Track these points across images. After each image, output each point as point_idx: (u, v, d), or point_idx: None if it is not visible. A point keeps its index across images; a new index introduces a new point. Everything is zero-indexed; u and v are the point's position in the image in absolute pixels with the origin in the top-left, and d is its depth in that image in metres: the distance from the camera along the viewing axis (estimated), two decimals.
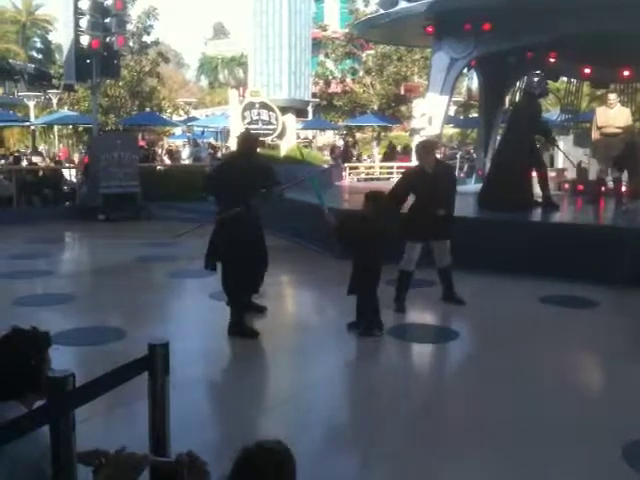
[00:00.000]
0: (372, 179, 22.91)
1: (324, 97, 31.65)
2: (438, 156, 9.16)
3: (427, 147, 7.82)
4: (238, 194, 6.60)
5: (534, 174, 11.49)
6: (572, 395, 5.22)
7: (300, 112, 25.84)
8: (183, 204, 16.09)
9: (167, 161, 25.57)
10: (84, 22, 14.92)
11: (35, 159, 22.03)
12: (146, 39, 28.38)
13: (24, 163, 21.07)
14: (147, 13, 27.78)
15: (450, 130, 34.45)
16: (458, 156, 26.47)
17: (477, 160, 18.19)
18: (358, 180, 23.12)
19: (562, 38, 12.73)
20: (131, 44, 26.63)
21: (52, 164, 21.74)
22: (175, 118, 33.51)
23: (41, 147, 29.72)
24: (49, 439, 2.05)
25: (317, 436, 4.53)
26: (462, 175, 20.47)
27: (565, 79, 19.79)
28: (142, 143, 25.83)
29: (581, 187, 14.18)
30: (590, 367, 6.43)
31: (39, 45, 50.92)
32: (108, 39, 15.44)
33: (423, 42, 17.20)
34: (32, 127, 29.30)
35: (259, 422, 4.82)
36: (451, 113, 27.11)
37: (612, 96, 13.44)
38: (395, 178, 21.31)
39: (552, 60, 15.16)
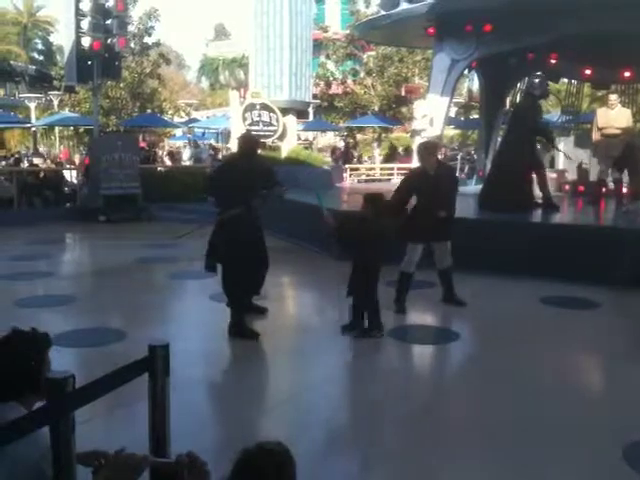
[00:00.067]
0: (373, 180, 22.91)
1: (325, 98, 31.67)
2: (439, 157, 9.16)
3: (429, 148, 7.82)
4: (239, 195, 6.61)
5: (533, 175, 11.50)
6: (572, 396, 5.21)
7: (301, 113, 25.82)
8: (184, 205, 16.10)
9: (168, 162, 25.58)
10: (85, 23, 14.93)
11: (36, 160, 22.07)
12: (147, 40, 28.41)
13: (25, 164, 21.11)
14: (148, 14, 27.81)
15: (451, 131, 34.48)
16: (459, 157, 26.51)
17: (478, 161, 18.21)
18: (359, 181, 23.13)
19: (563, 39, 12.74)
20: (132, 45, 26.64)
21: (53, 165, 21.74)
22: (176, 119, 33.51)
23: (41, 148, 29.75)
24: (49, 440, 2.05)
25: (317, 437, 4.54)
26: (463, 176, 20.47)
27: (566, 80, 19.80)
28: (143, 144, 25.86)
29: (582, 188, 14.19)
30: (591, 368, 6.43)
31: (40, 47, 50.98)
32: (109, 40, 15.44)
33: (424, 43, 17.22)
34: (33, 128, 29.34)
35: (259, 423, 4.82)
36: (452, 114, 27.11)
37: (613, 97, 13.44)
38: (396, 179, 21.38)
39: (553, 61, 15.16)
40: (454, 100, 21.02)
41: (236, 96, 20.90)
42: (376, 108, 29.31)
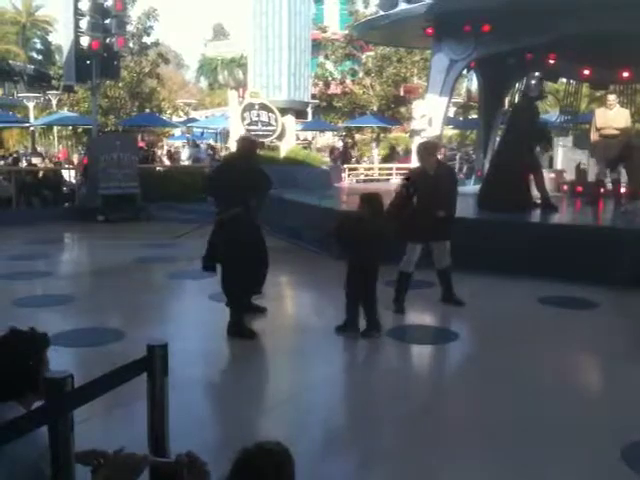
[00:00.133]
0: (371, 180, 22.92)
1: (324, 98, 31.68)
2: (439, 157, 9.15)
3: (429, 148, 7.81)
4: (237, 195, 6.61)
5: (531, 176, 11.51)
6: (572, 396, 5.21)
7: (299, 113, 25.81)
8: (182, 205, 16.09)
9: (166, 162, 25.57)
10: (84, 23, 14.92)
11: (34, 160, 22.04)
12: (146, 40, 28.44)
13: (23, 164, 21.09)
14: (147, 14, 27.82)
15: (449, 131, 34.45)
16: (457, 157, 26.52)
17: (476, 161, 18.21)
18: (357, 181, 23.14)
19: (562, 39, 12.74)
20: (131, 45, 26.66)
21: (51, 165, 21.73)
22: (175, 119, 33.52)
23: (39, 148, 29.72)
24: (47, 439, 2.05)
25: (317, 437, 4.53)
26: (461, 176, 20.48)
27: (564, 80, 19.79)
28: (141, 144, 25.85)
29: (580, 188, 14.19)
30: (590, 368, 6.43)
31: (39, 46, 50.92)
32: (108, 40, 15.44)
33: (423, 43, 17.22)
34: (32, 128, 29.30)
35: (258, 423, 4.81)
36: (450, 114, 27.09)
37: (611, 97, 13.43)
38: (394, 179, 21.39)
39: (552, 61, 15.16)
40: (453, 100, 21.02)
41: (235, 96, 20.90)
42: (375, 108, 29.32)
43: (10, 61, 39.81)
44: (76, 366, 5.66)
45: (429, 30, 14.30)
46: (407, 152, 25.86)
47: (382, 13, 15.24)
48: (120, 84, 25.56)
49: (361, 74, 30.45)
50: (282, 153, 19.62)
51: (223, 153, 26.48)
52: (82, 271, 10.63)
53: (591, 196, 12.82)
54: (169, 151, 30.12)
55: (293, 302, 9.11)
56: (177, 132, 37.08)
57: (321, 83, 30.82)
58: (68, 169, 20.42)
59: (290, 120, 20.61)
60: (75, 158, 24.54)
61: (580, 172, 14.89)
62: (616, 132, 12.65)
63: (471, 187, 15.15)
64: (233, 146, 18.51)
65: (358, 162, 28.41)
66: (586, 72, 16.41)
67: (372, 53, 29.83)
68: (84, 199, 16.19)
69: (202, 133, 37.94)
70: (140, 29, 27.83)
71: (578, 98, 19.36)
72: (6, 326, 2.53)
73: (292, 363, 6.31)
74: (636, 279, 8.23)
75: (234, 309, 6.72)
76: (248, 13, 20.55)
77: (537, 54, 14.45)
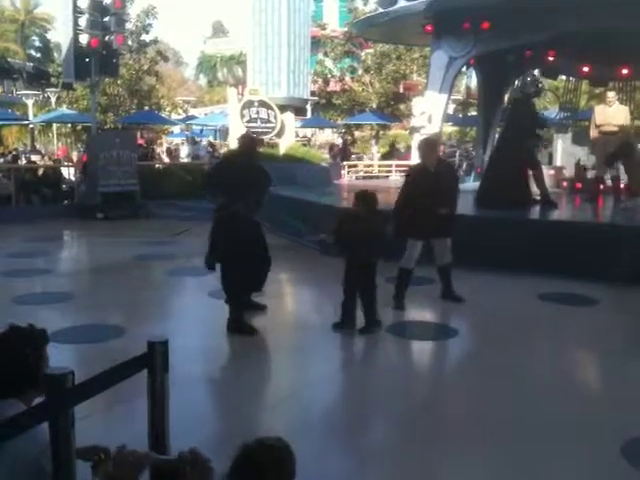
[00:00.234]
0: (371, 177, 22.90)
1: (323, 95, 31.66)
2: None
3: (430, 144, 7.79)
4: (237, 192, 6.62)
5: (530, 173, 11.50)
6: (572, 392, 5.22)
7: (299, 110, 25.82)
8: (182, 202, 16.09)
9: (166, 159, 25.54)
10: (83, 21, 14.90)
11: (34, 158, 22.02)
12: (145, 38, 28.37)
13: (22, 162, 21.07)
14: (146, 12, 27.76)
15: (449, 128, 34.43)
16: (457, 154, 26.50)
17: (476, 158, 18.19)
18: (357, 178, 23.11)
19: (561, 36, 12.72)
20: (130, 43, 26.58)
21: (51, 163, 21.71)
22: (174, 116, 33.50)
23: (39, 146, 29.70)
24: (48, 436, 2.05)
25: (317, 433, 4.54)
26: (461, 173, 20.49)
27: (564, 77, 19.77)
28: (141, 141, 25.81)
29: (579, 185, 14.18)
30: (589, 365, 6.44)
31: (38, 44, 50.82)
32: (107, 38, 15.43)
33: (422, 41, 17.21)
34: (31, 126, 29.28)
35: (259, 419, 4.82)
36: (450, 111, 27.09)
37: (611, 94, 13.44)
38: (394, 176, 21.39)
39: (551, 58, 15.15)
40: (452, 97, 21.01)
41: (234, 93, 20.89)
42: (374, 105, 29.31)
43: (9, 59, 39.80)
44: (76, 363, 5.66)
45: (428, 27, 14.27)
46: (408, 149, 25.85)
47: (381, 10, 15.21)
48: (119, 82, 25.54)
49: (360, 71, 30.42)
50: (281, 150, 19.62)
51: (222, 150, 26.47)
52: (82, 268, 10.64)
53: (590, 193, 12.82)
54: (168, 148, 30.10)
55: (293, 299, 9.11)
56: (176, 129, 37.03)
57: (320, 80, 30.80)
58: (67, 167, 20.40)
59: (289, 117, 20.62)
60: (74, 156, 24.52)
61: (579, 169, 14.88)
62: (615, 129, 12.65)
63: (471, 184, 15.14)
64: (232, 143, 18.52)
65: (360, 159, 28.36)
66: (585, 69, 16.39)
67: (371, 50, 29.81)
68: (83, 197, 16.18)
69: (201, 130, 37.93)
70: (139, 27, 27.77)
71: (577, 95, 19.31)
72: (6, 323, 2.54)
73: (292, 360, 6.31)
74: (636, 276, 8.23)
75: (234, 306, 6.72)
76: (247, 10, 20.55)
77: (536, 51, 14.44)
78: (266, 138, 19.58)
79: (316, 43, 29.84)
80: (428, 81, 15.18)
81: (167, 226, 13.77)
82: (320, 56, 32.28)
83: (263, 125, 19.39)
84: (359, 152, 30.74)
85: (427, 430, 4.59)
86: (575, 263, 8.56)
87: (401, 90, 29.77)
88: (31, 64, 42.25)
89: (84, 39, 14.92)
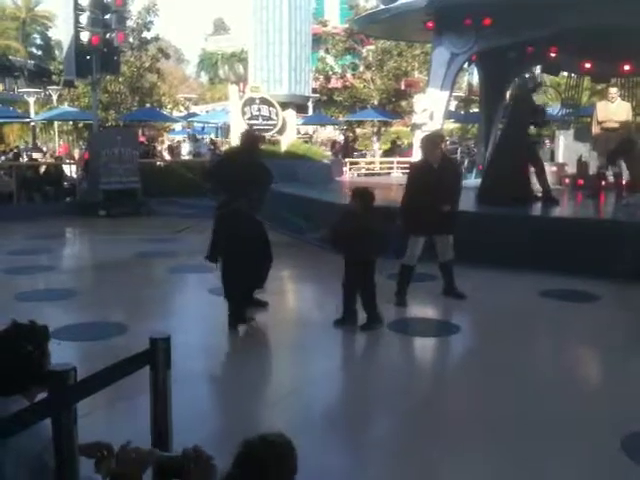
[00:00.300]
0: (372, 174, 22.89)
1: (324, 92, 31.65)
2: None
3: (434, 140, 7.77)
4: (239, 189, 6.62)
5: (531, 169, 11.49)
6: (573, 389, 5.22)
7: (300, 107, 25.76)
8: (183, 200, 16.09)
9: (167, 157, 25.54)
10: (84, 18, 14.91)
11: (35, 155, 22.04)
12: (146, 35, 28.42)
13: (24, 159, 21.07)
14: (147, 9, 27.79)
15: (451, 125, 34.42)
16: (459, 151, 26.48)
17: (478, 155, 18.19)
18: (358, 175, 23.10)
19: (563, 32, 12.70)
20: (131, 40, 26.61)
21: (52, 160, 21.72)
22: (175, 114, 33.52)
23: (40, 143, 29.72)
24: (51, 432, 2.05)
25: (318, 430, 4.55)
26: (463, 170, 20.41)
27: (566, 73, 19.75)
28: (142, 139, 25.83)
29: (581, 181, 14.17)
30: (591, 361, 6.45)
31: (39, 42, 50.88)
32: (108, 35, 15.43)
33: (423, 37, 17.18)
34: (32, 123, 29.29)
35: (261, 416, 4.83)
36: (452, 108, 27.06)
37: (613, 90, 13.43)
38: (395, 173, 21.38)
39: (553, 55, 15.13)
40: (454, 94, 20.99)
41: (235, 90, 20.84)
42: (375, 102, 29.29)
43: (10, 57, 39.82)
44: (79, 360, 5.66)
45: (430, 24, 14.27)
46: (410, 146, 25.83)
47: (382, 7, 15.20)
48: (120, 79, 25.56)
49: (362, 68, 30.42)
50: (283, 147, 19.60)
51: (224, 148, 26.47)
52: (83, 266, 10.65)
53: (592, 189, 12.81)
54: (170, 146, 30.10)
55: (295, 296, 9.12)
56: (178, 127, 37.08)
57: (322, 77, 30.81)
58: (69, 164, 20.42)
59: (291, 114, 20.58)
60: (76, 153, 24.54)
61: (581, 165, 14.87)
62: (617, 125, 12.64)
63: (472, 181, 15.13)
64: (234, 141, 18.52)
65: (364, 156, 28.33)
66: (587, 65, 16.38)
67: (373, 47, 29.79)
68: (85, 194, 16.20)
69: (203, 128, 37.93)
70: (140, 24, 27.80)
71: (579, 91, 19.30)
72: (8, 320, 2.54)
73: (294, 357, 6.31)
74: (638, 272, 8.22)
75: (232, 301, 6.72)
76: (248, 7, 20.51)
77: (538, 47, 14.43)
78: (267, 135, 19.56)
79: (317, 40, 29.85)
80: (429, 78, 15.18)
81: (168, 223, 13.78)
82: (321, 53, 32.30)
83: (264, 122, 19.36)
84: (362, 149, 30.71)
85: (428, 426, 4.60)
86: (577, 260, 8.56)
87: (402, 87, 29.76)
88: (32, 62, 42.28)
89: (85, 37, 14.93)
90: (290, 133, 20.54)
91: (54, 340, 2.62)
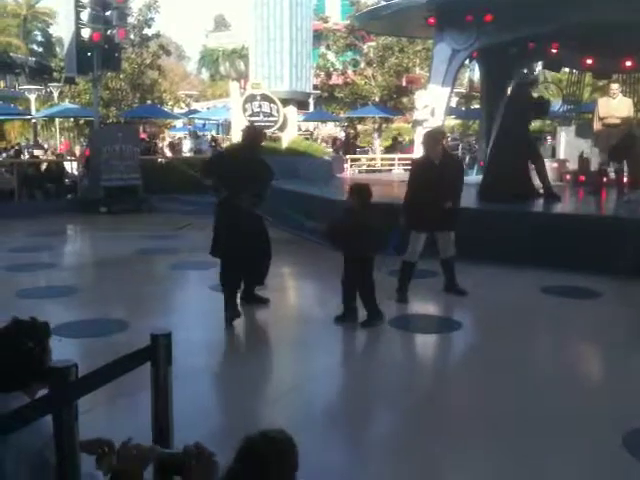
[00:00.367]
0: (373, 171, 22.88)
1: (325, 89, 31.63)
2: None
3: (436, 136, 7.76)
4: (240, 185, 6.62)
5: (532, 166, 11.48)
6: (574, 385, 5.22)
7: (301, 104, 25.81)
8: (184, 196, 16.09)
9: (168, 154, 25.55)
10: (85, 15, 14.88)
11: (36, 152, 22.04)
12: (147, 32, 28.38)
13: (25, 156, 21.07)
14: (148, 6, 27.76)
15: (452, 121, 34.40)
16: (460, 147, 26.47)
17: (479, 151, 18.18)
18: (359, 172, 23.10)
19: (564, 28, 12.69)
20: (132, 37, 26.61)
21: (53, 157, 21.73)
22: (176, 111, 33.49)
23: (41, 140, 29.73)
24: (52, 428, 2.05)
25: (319, 426, 4.55)
26: (464, 166, 20.41)
27: (567, 69, 19.73)
28: (143, 136, 25.84)
29: (583, 178, 14.16)
30: (592, 357, 6.44)
31: (40, 38, 50.86)
32: (109, 32, 15.40)
33: (425, 33, 17.17)
34: (33, 120, 29.30)
35: (262, 412, 4.83)
36: (453, 104, 27.04)
37: (614, 86, 13.40)
38: (397, 169, 21.37)
39: (554, 51, 15.12)
40: (455, 90, 20.97)
41: (236, 87, 20.85)
42: (377, 98, 29.26)
43: (11, 54, 39.80)
44: (80, 356, 5.66)
45: (431, 20, 14.25)
46: (411, 142, 25.82)
47: (384, 3, 15.22)
48: (121, 76, 25.55)
49: (363, 64, 30.38)
50: (284, 144, 19.60)
51: (225, 144, 26.47)
52: (85, 262, 10.66)
53: (594, 185, 12.80)
54: (171, 142, 30.10)
55: (295, 293, 9.12)
56: (179, 124, 37.08)
57: (323, 74, 30.76)
58: (70, 161, 20.42)
59: (292, 111, 20.59)
60: (77, 150, 24.55)
61: (583, 161, 14.85)
62: (619, 121, 12.62)
63: (474, 177, 15.12)
64: (235, 137, 18.51)
65: (366, 152, 28.30)
66: (589, 61, 16.36)
67: (374, 43, 29.74)
68: (86, 191, 16.20)
69: (204, 124, 37.94)
70: (141, 21, 27.78)
71: (581, 87, 19.29)
72: (9, 317, 2.54)
73: (295, 353, 6.32)
74: (639, 269, 8.22)
75: (226, 291, 6.75)
76: (249, 4, 20.50)
77: (539, 44, 14.41)
78: (268, 132, 19.55)
79: (318, 36, 29.83)
80: (431, 74, 15.16)
81: (169, 220, 13.78)
82: (322, 49, 32.27)
83: (265, 119, 19.37)
84: (365, 145, 30.68)
85: (430, 423, 4.60)
86: (578, 256, 8.55)
87: (404, 83, 29.71)
88: (33, 59, 42.27)
89: (86, 33, 14.91)
90: (291, 130, 20.54)
91: (55, 337, 2.61)
